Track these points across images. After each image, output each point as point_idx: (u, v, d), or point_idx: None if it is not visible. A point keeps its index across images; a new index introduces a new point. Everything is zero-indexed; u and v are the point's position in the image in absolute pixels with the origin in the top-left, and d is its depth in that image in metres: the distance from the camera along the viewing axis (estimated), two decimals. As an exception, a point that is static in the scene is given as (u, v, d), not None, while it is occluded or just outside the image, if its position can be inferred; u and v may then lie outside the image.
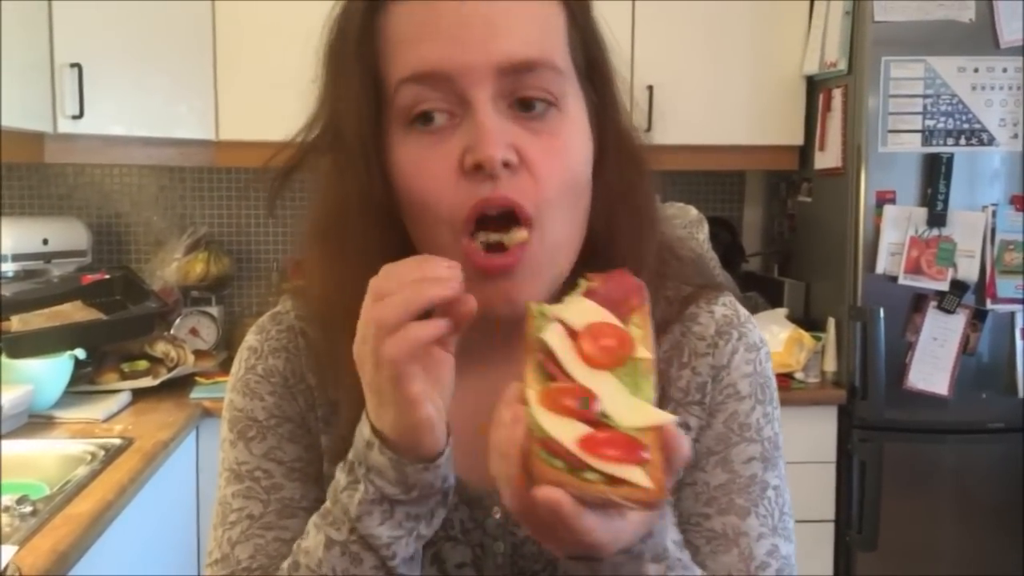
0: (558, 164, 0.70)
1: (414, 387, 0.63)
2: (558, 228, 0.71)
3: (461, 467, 0.77)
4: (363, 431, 0.67)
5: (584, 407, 0.59)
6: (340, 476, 0.69)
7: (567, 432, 0.57)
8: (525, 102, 0.69)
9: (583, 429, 0.58)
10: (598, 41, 0.77)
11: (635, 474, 0.56)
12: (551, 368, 0.61)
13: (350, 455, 0.68)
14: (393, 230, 0.73)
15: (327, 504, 0.69)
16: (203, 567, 2.44)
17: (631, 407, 0.60)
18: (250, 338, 0.85)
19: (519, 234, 0.69)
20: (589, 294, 0.65)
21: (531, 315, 0.64)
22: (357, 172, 0.72)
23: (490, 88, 0.67)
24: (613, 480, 0.56)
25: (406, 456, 0.65)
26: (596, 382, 0.60)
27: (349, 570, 0.67)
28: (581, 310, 0.64)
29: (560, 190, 0.70)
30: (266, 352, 0.82)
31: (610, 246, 0.77)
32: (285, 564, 0.72)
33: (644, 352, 0.63)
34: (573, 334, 0.63)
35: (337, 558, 0.67)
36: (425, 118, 0.69)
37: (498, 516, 0.78)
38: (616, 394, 0.60)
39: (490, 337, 0.74)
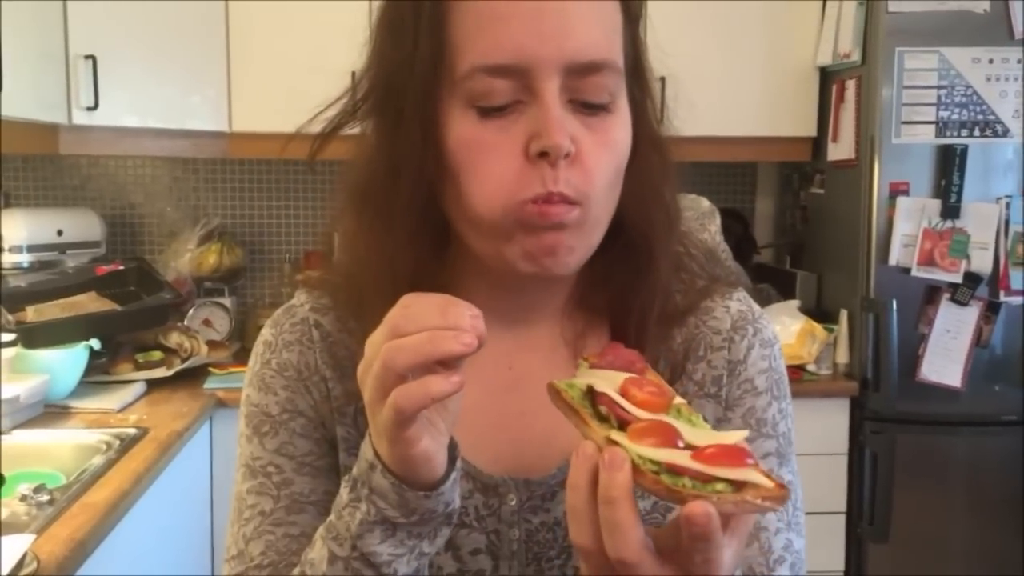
0: (606, 158, 0.71)
1: (410, 430, 0.63)
2: (599, 210, 0.72)
3: (475, 454, 0.79)
4: (366, 451, 0.67)
5: (672, 438, 0.59)
6: (343, 492, 0.69)
7: (677, 456, 0.58)
8: (585, 100, 0.71)
9: (686, 452, 0.58)
10: (641, 36, 0.78)
11: (755, 476, 0.58)
12: (619, 412, 0.61)
13: (354, 471, 0.68)
14: (434, 201, 0.73)
15: (331, 517, 0.70)
16: (218, 555, 2.46)
17: (703, 436, 0.61)
18: (265, 332, 0.85)
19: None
20: (595, 368, 0.66)
21: (560, 388, 0.64)
22: (412, 140, 0.72)
23: (558, 81, 0.69)
24: (738, 487, 0.57)
25: (406, 481, 0.65)
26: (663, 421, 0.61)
27: None
28: (603, 376, 0.65)
29: (605, 182, 0.72)
30: (280, 346, 0.83)
31: (637, 234, 0.78)
32: (295, 573, 0.72)
33: (680, 399, 0.65)
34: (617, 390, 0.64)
35: (340, 573, 0.68)
36: (491, 104, 0.70)
37: (513, 503, 0.79)
38: (684, 428, 0.61)
39: (515, 304, 0.75)
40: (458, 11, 0.70)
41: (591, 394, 0.63)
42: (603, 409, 0.62)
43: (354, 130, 0.79)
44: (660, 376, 0.67)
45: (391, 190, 0.74)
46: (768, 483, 0.57)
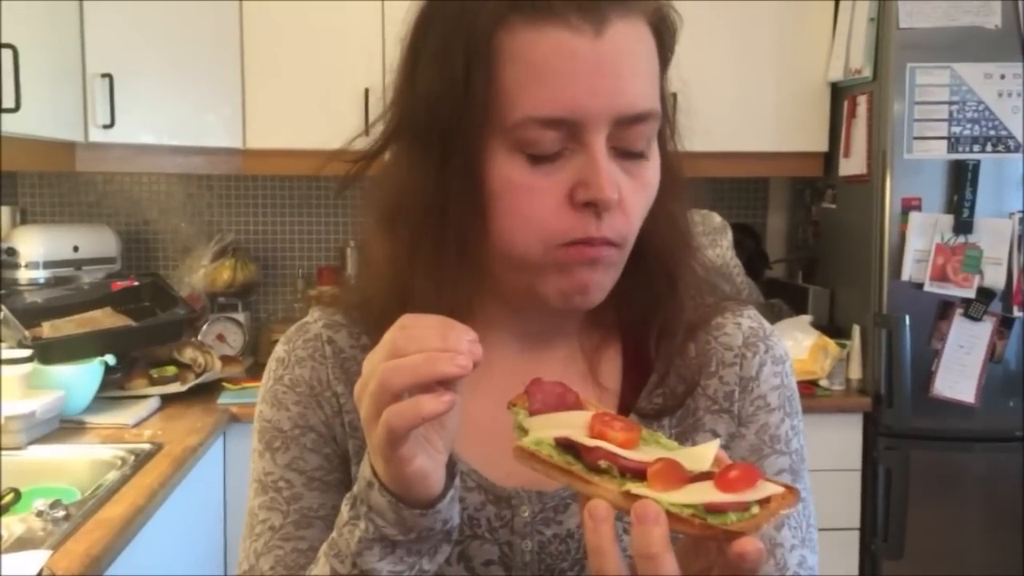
0: (642, 201, 0.74)
1: (404, 448, 0.63)
2: (631, 245, 0.75)
3: (489, 467, 0.80)
4: (365, 470, 0.68)
5: (682, 474, 0.59)
6: (344, 509, 0.70)
7: (703, 493, 0.58)
8: (629, 151, 0.72)
9: (708, 485, 0.58)
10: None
11: (772, 487, 0.58)
12: (621, 462, 0.61)
13: (354, 489, 0.69)
14: (469, 234, 0.73)
15: (333, 534, 0.70)
16: (231, 570, 2.45)
17: (687, 457, 0.61)
18: (278, 349, 0.87)
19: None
20: (536, 413, 0.66)
21: (535, 451, 0.62)
22: (459, 178, 0.72)
23: (605, 131, 0.70)
24: (762, 503, 0.58)
25: (404, 499, 0.66)
26: (654, 455, 0.61)
27: None
28: (559, 422, 0.64)
29: (640, 221, 0.74)
30: (292, 362, 0.84)
31: (648, 251, 0.79)
32: None
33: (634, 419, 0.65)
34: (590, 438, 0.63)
35: None
36: (541, 152, 0.71)
37: (526, 515, 0.79)
38: (671, 454, 0.61)
39: (533, 325, 0.77)
40: (512, 57, 0.70)
41: (568, 447, 0.62)
42: (603, 463, 0.60)
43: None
44: (587, 397, 0.68)
45: (429, 222, 0.74)
46: (780, 488, 0.58)
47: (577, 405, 0.66)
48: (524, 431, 0.64)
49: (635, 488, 0.58)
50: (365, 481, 0.67)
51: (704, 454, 0.61)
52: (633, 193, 0.72)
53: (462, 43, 0.71)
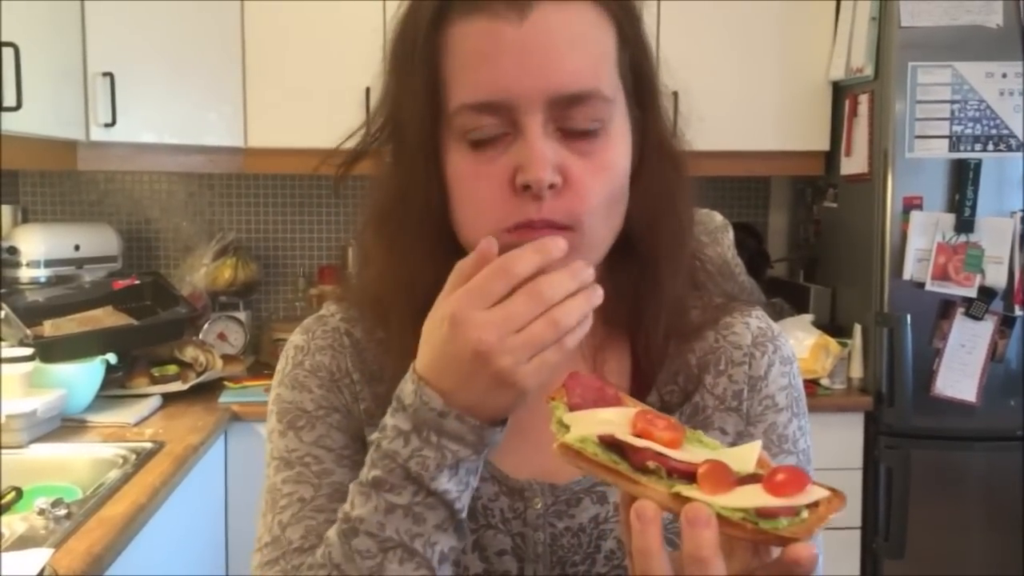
0: (599, 182, 0.73)
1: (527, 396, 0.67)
2: (596, 230, 0.75)
3: (500, 459, 0.81)
4: (432, 403, 0.68)
5: (730, 476, 0.59)
6: (397, 446, 0.70)
7: (752, 497, 0.57)
8: (577, 131, 0.73)
9: (757, 488, 0.58)
10: (646, 54, 0.79)
11: (819, 491, 0.58)
12: (669, 464, 0.60)
13: (405, 425, 0.70)
14: (448, 223, 0.77)
15: (377, 473, 0.71)
16: (233, 567, 2.45)
17: (731, 457, 0.61)
18: (295, 338, 0.88)
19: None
20: (575, 408, 0.66)
21: (580, 449, 0.62)
22: (416, 172, 0.76)
23: (541, 115, 0.71)
24: (811, 507, 0.57)
25: (483, 421, 0.69)
26: (699, 456, 0.60)
27: (412, 529, 0.70)
28: (600, 419, 0.64)
29: (599, 204, 0.74)
30: (312, 350, 0.86)
31: (649, 247, 0.80)
32: (332, 532, 0.73)
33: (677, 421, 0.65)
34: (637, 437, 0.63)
35: (400, 520, 0.70)
36: (480, 137, 0.73)
37: (539, 507, 0.81)
38: (715, 455, 0.61)
39: None
40: (449, 49, 0.73)
41: (611, 445, 0.61)
42: (651, 464, 0.60)
43: (379, 151, 0.82)
44: (627, 396, 0.68)
45: (403, 215, 0.78)
46: (826, 492, 0.58)
47: (616, 401, 0.66)
48: (564, 427, 0.64)
49: (685, 491, 0.58)
50: (434, 412, 0.68)
51: (748, 455, 0.61)
52: (588, 174, 0.72)
53: (411, 42, 0.75)
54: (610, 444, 0.61)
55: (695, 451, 0.62)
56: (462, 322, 0.66)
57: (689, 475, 0.59)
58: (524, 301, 0.65)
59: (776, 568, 0.58)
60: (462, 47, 0.72)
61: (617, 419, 0.63)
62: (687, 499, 0.58)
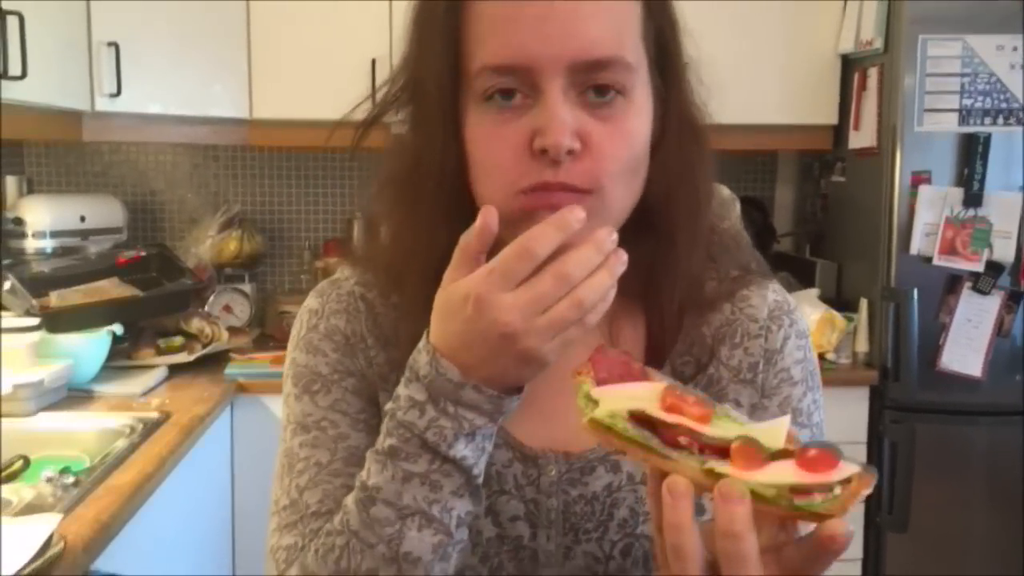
0: (620, 148, 0.73)
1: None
2: (616, 196, 0.74)
3: (513, 427, 0.82)
4: (449, 374, 0.69)
5: (760, 455, 0.58)
6: (413, 416, 0.71)
7: (785, 474, 0.58)
8: (596, 89, 0.72)
9: (789, 464, 0.58)
10: (672, 27, 0.79)
11: (850, 468, 0.57)
12: (701, 440, 0.60)
13: (420, 395, 0.70)
14: (464, 188, 0.76)
15: (393, 442, 0.71)
16: (239, 537, 2.47)
17: (761, 434, 0.60)
18: (310, 302, 0.89)
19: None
20: (602, 383, 0.65)
21: (610, 424, 0.62)
22: (434, 134, 0.76)
23: (562, 80, 0.71)
24: (843, 484, 0.57)
25: (501, 391, 0.70)
26: (728, 431, 0.60)
27: (429, 496, 0.71)
28: (629, 395, 0.63)
29: (620, 169, 0.74)
30: (327, 313, 0.86)
31: (667, 220, 0.80)
32: (349, 500, 0.74)
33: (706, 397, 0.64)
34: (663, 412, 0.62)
35: (417, 487, 0.71)
36: (502, 97, 0.73)
37: (553, 474, 0.82)
38: (743, 430, 0.60)
39: None
40: (472, 12, 0.73)
41: (642, 421, 0.61)
42: (683, 440, 0.60)
43: (392, 120, 0.82)
44: (653, 371, 0.67)
45: (419, 178, 0.78)
46: (857, 468, 0.57)
47: (643, 376, 0.66)
48: (592, 402, 0.63)
49: (719, 467, 0.58)
50: (451, 383, 0.69)
51: (777, 431, 0.60)
52: (607, 138, 0.72)
53: (435, 6, 0.75)
54: (640, 420, 0.61)
55: (725, 426, 0.61)
56: (488, 305, 0.66)
57: (720, 451, 0.59)
58: (550, 283, 0.65)
59: (810, 544, 0.58)
60: (486, 11, 0.72)
61: (646, 395, 0.63)
62: (719, 475, 0.58)
